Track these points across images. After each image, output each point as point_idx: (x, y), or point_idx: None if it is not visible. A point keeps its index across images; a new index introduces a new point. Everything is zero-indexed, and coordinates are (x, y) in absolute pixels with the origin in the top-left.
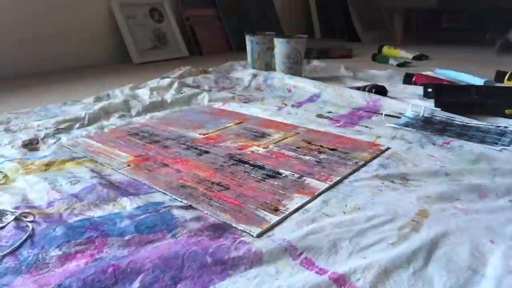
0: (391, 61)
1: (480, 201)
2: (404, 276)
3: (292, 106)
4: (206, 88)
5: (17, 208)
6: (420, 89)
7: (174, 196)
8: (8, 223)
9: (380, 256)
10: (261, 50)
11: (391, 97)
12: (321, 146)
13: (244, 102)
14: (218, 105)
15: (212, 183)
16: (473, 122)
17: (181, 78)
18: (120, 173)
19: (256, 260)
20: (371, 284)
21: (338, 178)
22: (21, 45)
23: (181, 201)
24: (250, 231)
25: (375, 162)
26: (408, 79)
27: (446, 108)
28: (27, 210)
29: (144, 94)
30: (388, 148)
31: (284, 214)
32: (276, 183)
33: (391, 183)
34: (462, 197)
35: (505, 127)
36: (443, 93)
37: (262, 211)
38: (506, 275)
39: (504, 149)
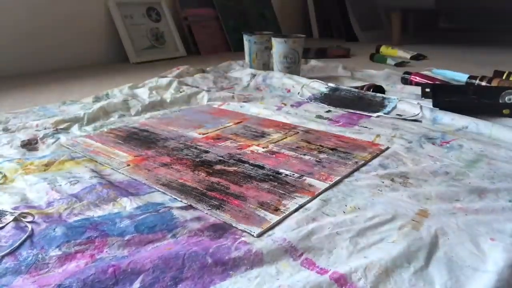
0: (389, 61)
1: (480, 201)
2: (405, 276)
3: (292, 106)
4: (205, 89)
5: (16, 208)
6: (418, 89)
7: (174, 196)
8: (7, 223)
9: (381, 255)
10: (259, 50)
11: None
12: (321, 145)
13: (244, 102)
14: (217, 104)
15: (212, 182)
16: (368, 94)
17: (179, 78)
18: (119, 172)
19: (256, 260)
20: (372, 283)
21: (338, 177)
22: (17, 44)
23: (181, 201)
24: (250, 231)
25: (375, 161)
26: (406, 79)
27: (444, 108)
28: (26, 210)
29: (143, 93)
30: (387, 148)
31: (284, 214)
32: (276, 183)
33: (391, 183)
34: (461, 197)
35: (387, 98)
36: (441, 93)
37: (262, 210)
38: (507, 268)
39: (380, 115)
